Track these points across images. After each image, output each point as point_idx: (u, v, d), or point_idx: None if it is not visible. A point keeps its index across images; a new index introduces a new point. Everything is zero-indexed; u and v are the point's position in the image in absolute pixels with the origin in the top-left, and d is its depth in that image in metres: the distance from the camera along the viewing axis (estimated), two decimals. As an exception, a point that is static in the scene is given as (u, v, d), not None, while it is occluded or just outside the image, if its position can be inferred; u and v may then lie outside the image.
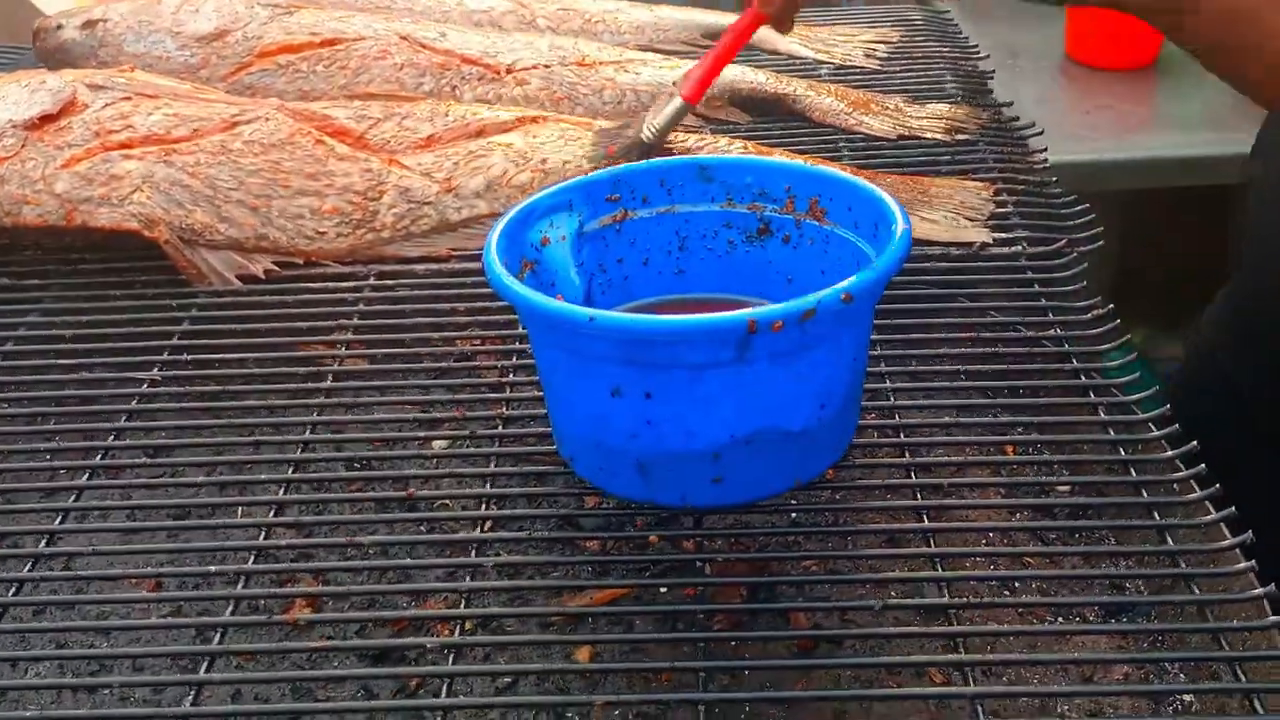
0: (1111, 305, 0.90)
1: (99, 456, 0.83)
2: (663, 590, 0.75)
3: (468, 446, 0.83)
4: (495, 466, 0.81)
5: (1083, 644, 0.72)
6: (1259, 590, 0.68)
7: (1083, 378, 0.85)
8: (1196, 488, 0.75)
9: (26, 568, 0.74)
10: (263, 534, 0.75)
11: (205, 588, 0.74)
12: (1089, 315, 0.91)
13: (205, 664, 0.67)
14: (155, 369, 0.92)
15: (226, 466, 0.83)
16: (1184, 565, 0.70)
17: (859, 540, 0.77)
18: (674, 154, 1.09)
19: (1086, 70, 2.02)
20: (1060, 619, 0.75)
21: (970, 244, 1.00)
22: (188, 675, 0.67)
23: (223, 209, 1.02)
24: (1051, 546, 0.78)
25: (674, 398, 0.69)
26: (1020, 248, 1.00)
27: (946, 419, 0.85)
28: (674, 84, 1.11)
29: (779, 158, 0.93)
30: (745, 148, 1.11)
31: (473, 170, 1.06)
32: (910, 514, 0.76)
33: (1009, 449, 0.84)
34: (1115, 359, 0.87)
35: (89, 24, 1.29)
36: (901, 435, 0.82)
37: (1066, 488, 0.81)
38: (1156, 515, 0.73)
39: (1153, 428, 0.80)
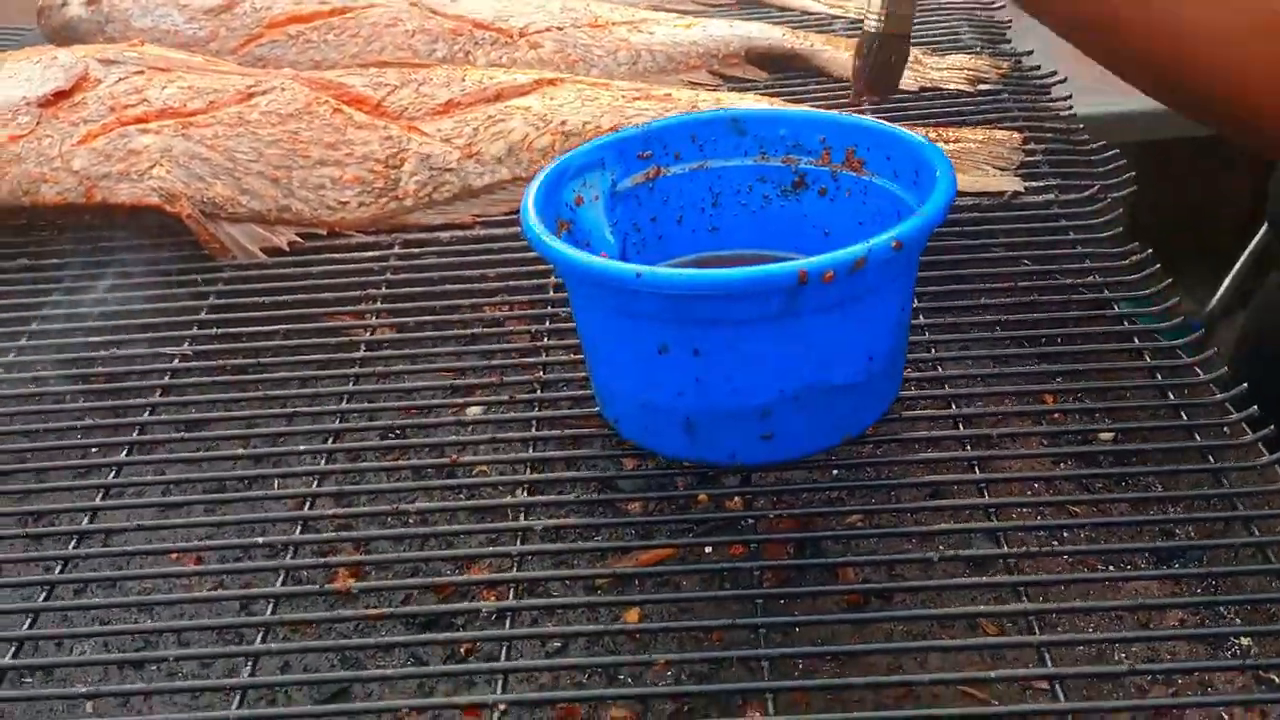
0: (1150, 250, 0.89)
1: (135, 433, 0.82)
2: (708, 550, 0.74)
3: (505, 412, 0.82)
4: (536, 430, 0.80)
5: (1136, 591, 0.71)
6: (1320, 528, 0.67)
7: (1125, 323, 0.84)
8: (1249, 430, 0.74)
9: (71, 544, 0.73)
10: (308, 504, 0.75)
11: (248, 560, 0.74)
12: (1128, 260, 0.89)
13: (259, 635, 0.66)
14: (185, 344, 0.91)
15: (262, 439, 0.82)
16: (1241, 507, 0.69)
17: (905, 493, 0.76)
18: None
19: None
20: (1111, 567, 0.75)
21: (1001, 193, 0.99)
22: (241, 647, 0.66)
23: (243, 181, 1.01)
24: (1099, 494, 0.77)
25: (722, 354, 0.68)
26: (1052, 195, 0.98)
27: (987, 369, 0.84)
28: None
29: (812, 109, 0.91)
30: (770, 103, 1.10)
31: (493, 135, 1.05)
32: (958, 466, 0.75)
33: (1050, 398, 0.84)
34: (1150, 305, 0.86)
35: (94, 0, 1.27)
36: (945, 387, 0.81)
37: (1111, 435, 0.80)
38: (1211, 459, 0.73)
39: (1199, 372, 0.79)
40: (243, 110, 1.04)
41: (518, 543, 0.71)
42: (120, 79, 1.05)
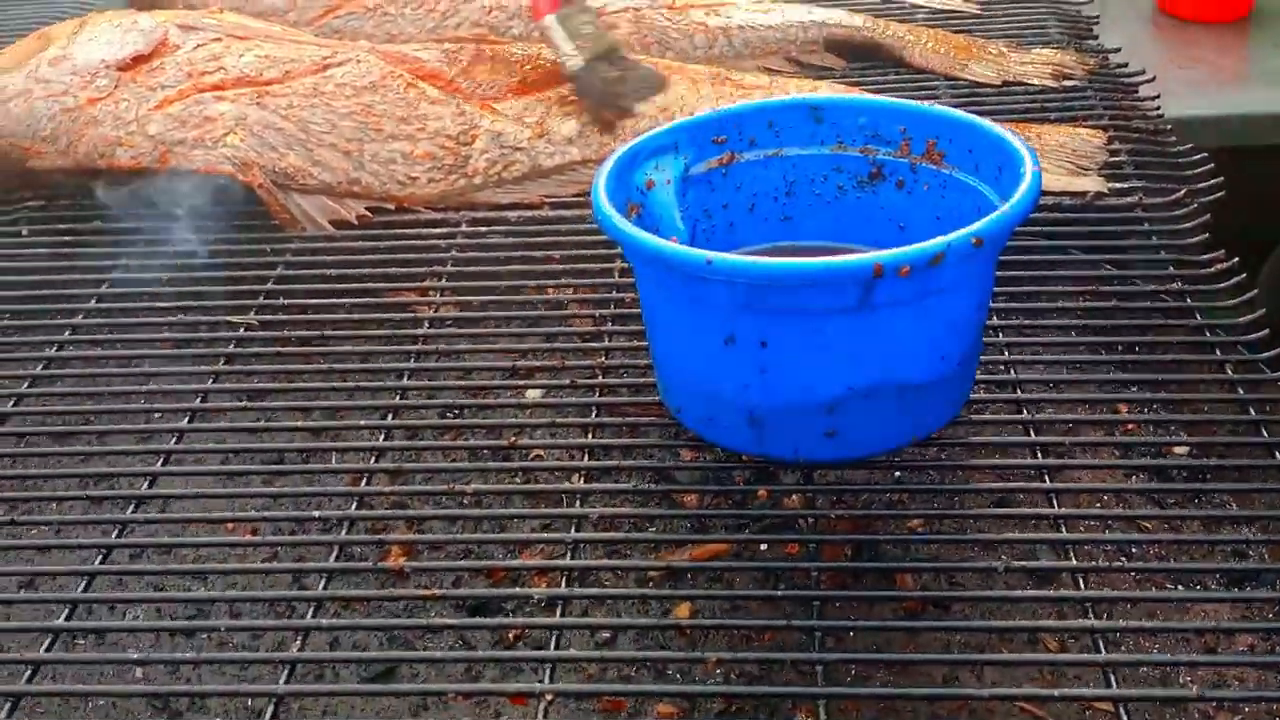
0: (1237, 259, 0.86)
1: (197, 400, 0.82)
2: (764, 547, 0.73)
3: (565, 396, 0.81)
4: (595, 417, 0.79)
5: (1205, 613, 0.69)
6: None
7: (1207, 334, 0.81)
8: (1335, 451, 0.71)
9: (130, 509, 0.73)
10: (364, 480, 0.74)
11: (302, 533, 0.74)
12: (1213, 269, 0.86)
13: (311, 609, 0.66)
14: (251, 313, 0.91)
15: (321, 412, 0.82)
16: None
17: (970, 500, 0.75)
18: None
19: (1178, 22, 1.94)
20: (1181, 586, 0.72)
21: (1083, 194, 0.96)
22: (291, 621, 0.66)
23: (315, 152, 1.01)
24: (1171, 510, 0.75)
25: (791, 346, 0.66)
26: (1136, 198, 0.95)
27: (1061, 375, 0.81)
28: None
29: (894, 99, 0.89)
30: (848, 90, 1.07)
31: (564, 115, 1.04)
32: (1025, 474, 0.73)
33: (1124, 407, 0.81)
34: (1234, 316, 0.82)
35: (176, -34, 1.27)
36: (1017, 391, 0.78)
37: (1186, 449, 0.77)
38: (1294, 476, 0.70)
39: (1284, 387, 0.76)
40: (318, 81, 1.04)
41: (571, 530, 0.71)
42: (199, 45, 1.06)
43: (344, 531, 0.71)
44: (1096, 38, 1.25)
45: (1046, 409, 0.79)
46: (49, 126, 1.01)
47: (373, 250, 0.98)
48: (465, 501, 0.75)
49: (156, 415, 0.84)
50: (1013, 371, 0.80)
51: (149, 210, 1.02)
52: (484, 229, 1.00)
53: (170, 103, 1.01)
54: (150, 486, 0.76)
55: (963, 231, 0.63)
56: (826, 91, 1.06)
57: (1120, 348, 0.83)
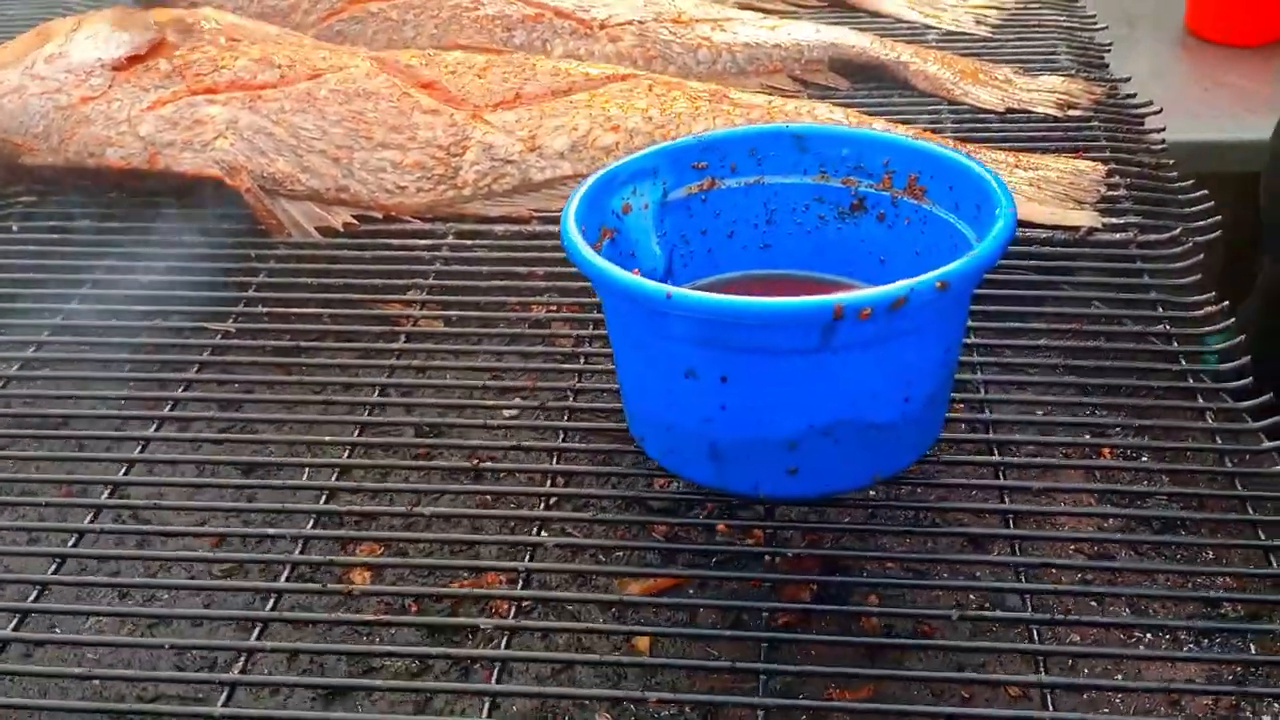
0: (1226, 302, 0.84)
1: (168, 408, 0.82)
2: (729, 582, 0.72)
3: (535, 418, 0.81)
4: (563, 441, 0.78)
5: (1166, 671, 0.67)
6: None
7: (1190, 380, 0.80)
8: (1311, 507, 0.69)
9: (88, 519, 0.73)
10: (323, 498, 0.74)
11: (267, 548, 0.73)
12: (1201, 312, 0.85)
13: (257, 630, 0.65)
14: (230, 320, 0.91)
15: (294, 425, 0.82)
16: (1291, 593, 0.65)
17: (938, 542, 0.73)
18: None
19: (1207, 45, 1.92)
20: (1150, 635, 0.71)
21: (1077, 228, 0.94)
22: (239, 641, 0.65)
23: (305, 159, 1.01)
24: (1141, 562, 0.73)
25: (752, 383, 0.65)
26: (1131, 234, 0.94)
27: (1040, 416, 0.80)
28: None
29: (879, 129, 0.88)
30: (846, 116, 1.06)
31: (557, 129, 1.03)
32: (995, 517, 0.72)
33: (1106, 452, 0.80)
34: (1212, 360, 0.81)
35: (183, -36, 1.27)
36: (990, 431, 0.77)
37: (1164, 498, 0.76)
38: (1261, 534, 0.68)
39: (1264, 438, 0.75)
40: (311, 87, 1.04)
41: (533, 558, 0.70)
42: (195, 47, 1.06)
43: (305, 550, 0.70)
44: (1107, 66, 1.23)
45: (1021, 451, 0.78)
46: (41, 124, 1.02)
47: (357, 259, 0.97)
48: (427, 525, 0.74)
49: (132, 422, 0.83)
50: (988, 411, 0.79)
51: (137, 211, 1.03)
52: (469, 242, 0.99)
53: (163, 104, 1.01)
54: (113, 496, 0.76)
55: (927, 276, 0.62)
56: (819, 118, 1.04)
57: (1105, 390, 0.82)
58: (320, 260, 0.98)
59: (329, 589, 0.68)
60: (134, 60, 1.04)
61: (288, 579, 0.68)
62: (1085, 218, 0.95)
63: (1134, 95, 1.16)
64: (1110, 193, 0.99)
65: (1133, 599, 0.70)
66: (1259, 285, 1.10)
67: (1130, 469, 0.77)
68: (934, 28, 1.31)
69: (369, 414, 0.81)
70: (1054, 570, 0.71)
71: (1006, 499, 0.72)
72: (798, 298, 0.62)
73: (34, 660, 0.68)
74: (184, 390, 0.84)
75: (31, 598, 0.68)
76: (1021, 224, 0.95)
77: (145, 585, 0.73)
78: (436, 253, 0.98)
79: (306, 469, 0.78)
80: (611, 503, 0.75)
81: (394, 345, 0.87)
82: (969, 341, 0.84)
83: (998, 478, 0.74)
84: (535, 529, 0.72)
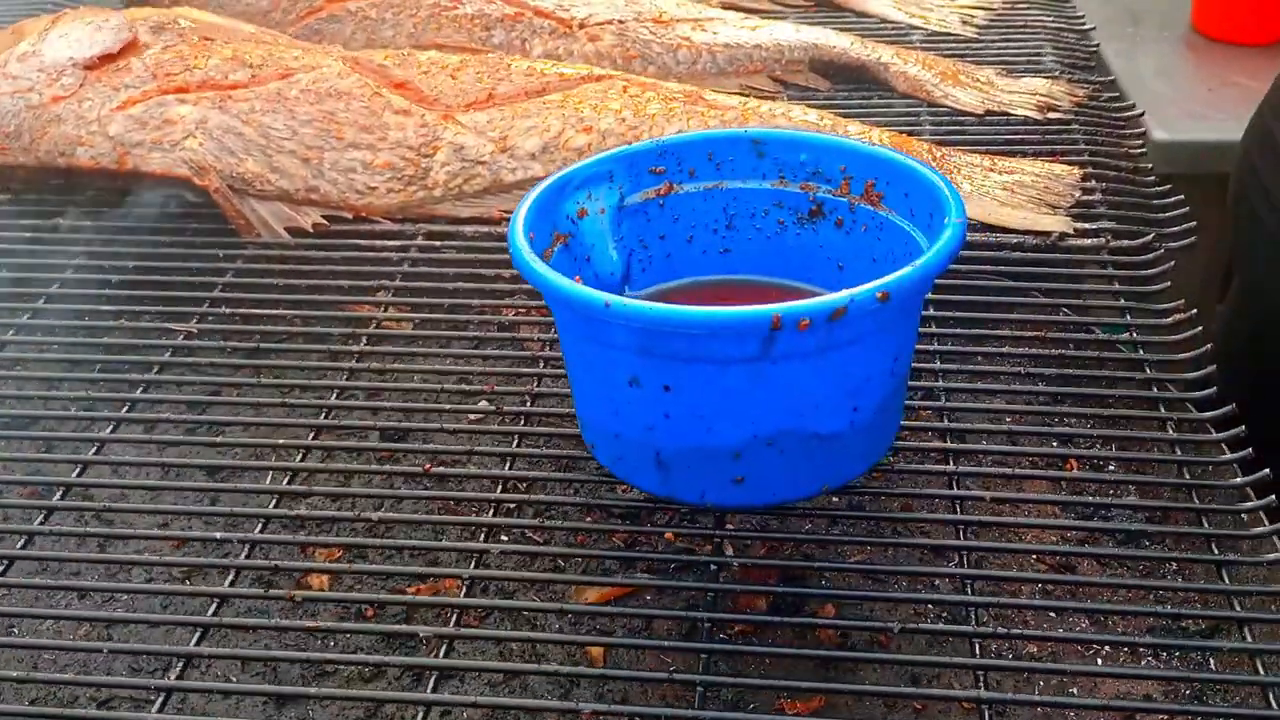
0: (1195, 310, 0.83)
1: (125, 409, 0.82)
2: (686, 591, 0.71)
3: (499, 422, 0.80)
4: (517, 446, 0.77)
5: (1126, 684, 0.66)
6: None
7: (1154, 389, 0.79)
8: (1266, 521, 0.68)
9: (38, 520, 0.73)
10: (275, 502, 0.73)
11: (216, 552, 0.73)
12: (1169, 320, 0.83)
13: (195, 636, 0.65)
14: (193, 320, 0.91)
15: (255, 427, 0.81)
16: (1238, 607, 0.64)
17: (898, 552, 0.72)
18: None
19: (1212, 43, 1.89)
20: (1107, 649, 0.70)
21: (1049, 233, 0.93)
22: (176, 647, 0.65)
23: (274, 159, 1.00)
24: (1103, 575, 0.72)
25: (693, 392, 0.64)
26: (1103, 240, 0.92)
27: (1005, 424, 0.79)
28: None
29: (837, 135, 0.87)
30: (820, 117, 1.05)
31: (529, 130, 1.02)
32: (956, 528, 0.71)
33: (1071, 463, 0.78)
34: (1183, 372, 0.80)
35: (165, -39, 1.27)
36: (948, 440, 0.76)
37: (1128, 510, 0.75)
38: (1215, 549, 0.67)
39: (1226, 450, 0.73)
40: (282, 87, 1.03)
41: (479, 565, 0.69)
42: (167, 46, 1.05)
43: (242, 555, 0.70)
44: (1093, 68, 1.22)
45: (985, 460, 0.77)
46: (13, 123, 1.01)
47: (325, 260, 0.97)
48: (374, 530, 0.74)
49: (92, 424, 0.83)
50: (952, 419, 0.78)
51: (110, 210, 1.03)
52: (439, 243, 0.99)
53: (133, 103, 1.01)
54: (64, 497, 0.75)
55: (867, 286, 0.61)
56: (793, 120, 1.03)
57: (1069, 399, 0.81)
58: (289, 260, 0.98)
59: (275, 595, 0.68)
60: (106, 59, 1.04)
61: (241, 584, 0.68)
62: (1057, 223, 0.94)
63: (1117, 97, 1.14)
64: (1086, 197, 0.97)
65: (1093, 613, 0.69)
66: (1233, 288, 1.09)
67: (1094, 480, 0.76)
68: (919, 28, 1.30)
69: (329, 417, 0.81)
70: (1014, 583, 0.70)
71: (968, 509, 0.71)
72: (735, 307, 0.61)
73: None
74: (143, 391, 0.84)
75: (-25, 601, 0.68)
76: (992, 228, 0.95)
77: (102, 589, 0.72)
78: (405, 254, 0.97)
79: (270, 473, 0.77)
80: (568, 510, 0.75)
81: (358, 347, 0.87)
82: (932, 348, 0.83)
83: (960, 488, 0.73)
84: (490, 535, 0.72)
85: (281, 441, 0.78)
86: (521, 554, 0.72)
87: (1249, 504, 0.69)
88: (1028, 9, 1.34)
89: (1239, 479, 0.70)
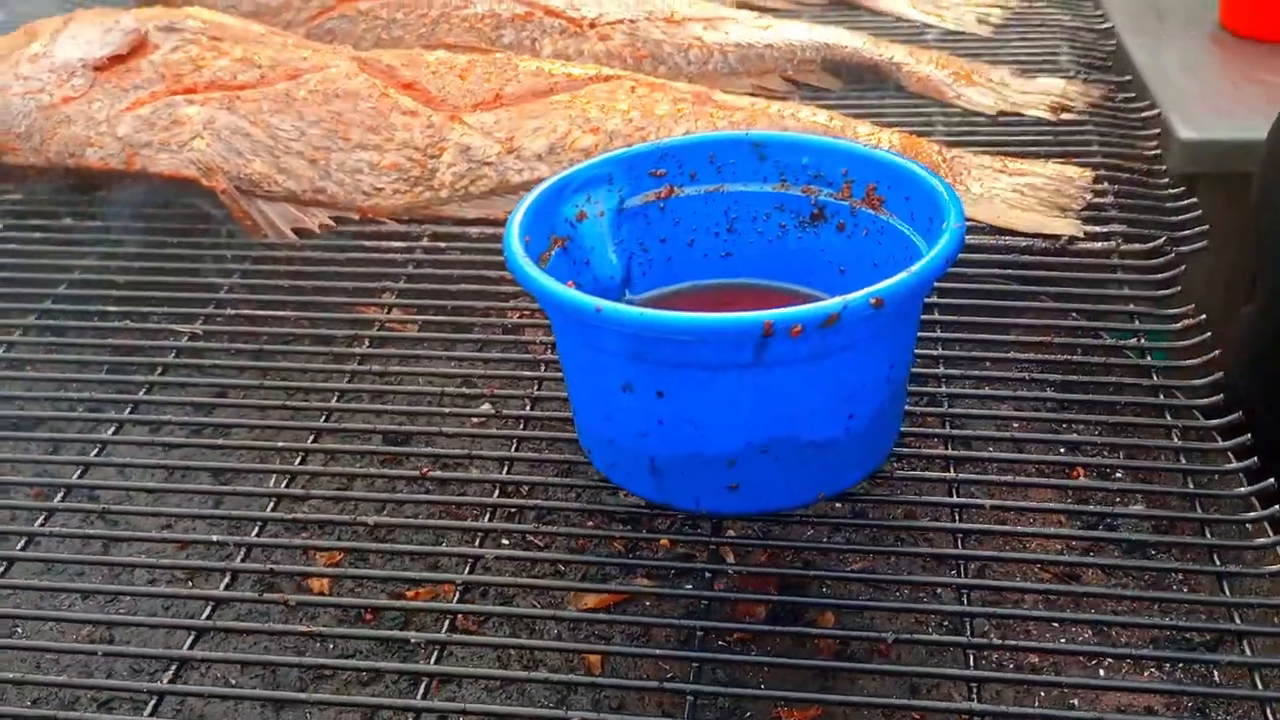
0: (1204, 316, 0.82)
1: (129, 410, 0.82)
2: (685, 599, 0.71)
3: (500, 426, 0.80)
4: (517, 450, 0.77)
5: (1123, 698, 0.65)
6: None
7: (1162, 395, 0.77)
8: (1270, 531, 0.67)
9: (38, 521, 0.73)
10: (272, 504, 0.73)
11: (216, 555, 0.73)
12: (1179, 325, 0.82)
13: (189, 639, 0.65)
14: (198, 321, 0.91)
15: (258, 429, 0.81)
16: (1239, 620, 0.63)
17: (900, 561, 0.72)
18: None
19: (1240, 40, 1.87)
20: (1109, 660, 0.69)
21: (1059, 236, 0.92)
22: (173, 650, 0.65)
23: (282, 160, 1.00)
24: (1108, 585, 0.71)
25: (686, 398, 0.64)
26: (1114, 244, 0.91)
27: (1010, 431, 0.78)
28: None
29: (838, 138, 0.86)
30: (830, 118, 1.04)
31: (535, 131, 1.02)
32: (959, 536, 0.70)
33: (1078, 471, 0.77)
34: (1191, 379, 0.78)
35: (179, -39, 1.28)
36: (951, 447, 0.75)
37: (1134, 519, 0.74)
38: (1216, 560, 0.66)
39: (1232, 458, 0.72)
40: (291, 88, 1.03)
41: (473, 570, 0.69)
42: (176, 47, 1.06)
43: (239, 559, 0.70)
44: (1110, 68, 1.20)
45: (989, 467, 0.76)
46: (24, 123, 1.02)
47: (331, 261, 0.97)
48: (370, 534, 0.74)
49: (83, 425, 0.83)
50: (955, 425, 0.77)
51: (117, 209, 1.03)
52: (443, 244, 0.98)
53: (142, 104, 1.01)
54: (65, 499, 0.76)
55: (861, 292, 0.61)
56: (802, 120, 1.02)
57: (1076, 405, 0.79)
58: (295, 261, 0.98)
59: (270, 599, 0.68)
60: (116, 60, 1.04)
61: (240, 587, 0.68)
62: (1067, 226, 0.93)
63: (1133, 97, 1.13)
64: (1097, 200, 0.96)
65: (1096, 624, 0.68)
66: (1258, 289, 1.07)
67: (1100, 488, 0.75)
68: (935, 26, 1.29)
69: (331, 420, 0.81)
70: (1016, 593, 0.69)
71: (970, 517, 0.70)
72: (727, 313, 0.60)
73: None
74: (147, 393, 0.84)
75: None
76: (1001, 231, 0.94)
77: (104, 591, 0.73)
78: (410, 255, 0.97)
79: (273, 475, 0.77)
80: (567, 514, 0.75)
81: (361, 350, 0.87)
82: (937, 353, 0.83)
83: (962, 495, 0.72)
84: (488, 539, 0.71)
85: (283, 444, 0.78)
86: (520, 559, 0.71)
87: (1253, 514, 0.67)
88: (1045, 7, 1.33)
89: (1244, 488, 0.69)
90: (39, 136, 1.02)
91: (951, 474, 0.73)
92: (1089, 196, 0.96)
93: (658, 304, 0.79)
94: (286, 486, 0.75)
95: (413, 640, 0.66)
